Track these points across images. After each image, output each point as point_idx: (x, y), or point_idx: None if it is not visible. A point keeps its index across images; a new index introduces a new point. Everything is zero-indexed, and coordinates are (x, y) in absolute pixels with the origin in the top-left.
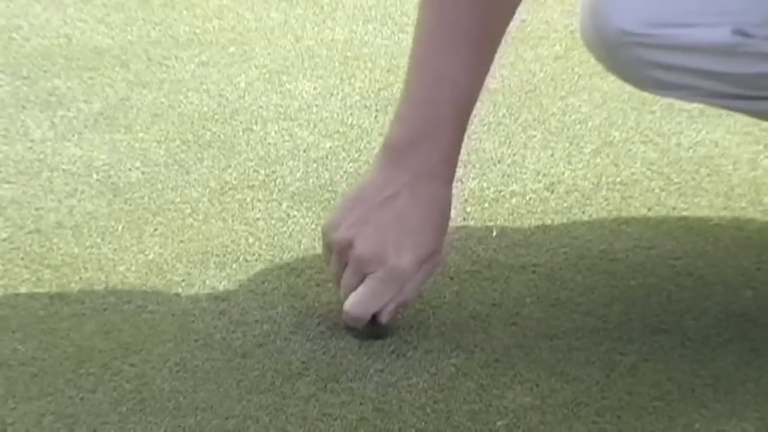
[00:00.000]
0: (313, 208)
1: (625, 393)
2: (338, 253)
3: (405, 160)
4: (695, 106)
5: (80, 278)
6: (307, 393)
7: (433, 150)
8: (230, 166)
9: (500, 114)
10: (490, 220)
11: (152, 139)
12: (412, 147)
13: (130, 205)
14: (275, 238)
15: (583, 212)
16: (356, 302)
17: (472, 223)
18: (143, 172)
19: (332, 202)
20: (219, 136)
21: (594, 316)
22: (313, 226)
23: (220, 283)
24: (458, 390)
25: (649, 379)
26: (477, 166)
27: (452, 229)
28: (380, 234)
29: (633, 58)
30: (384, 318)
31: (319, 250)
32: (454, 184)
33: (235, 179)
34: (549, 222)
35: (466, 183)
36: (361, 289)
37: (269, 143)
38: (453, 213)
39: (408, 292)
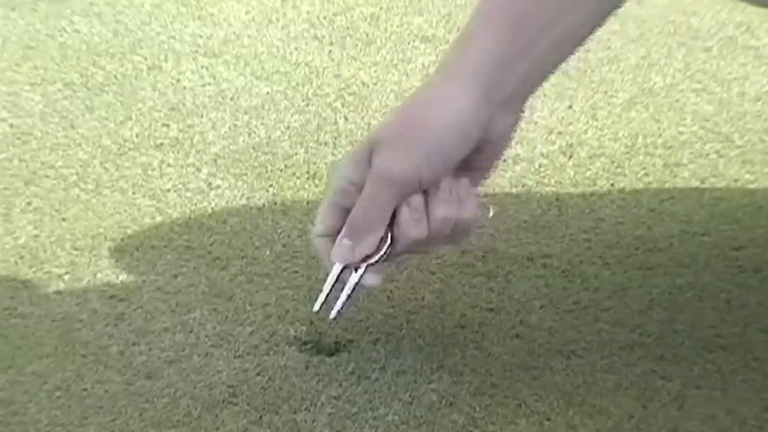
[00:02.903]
0: (244, 176)
1: (667, 431)
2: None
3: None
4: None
5: None
6: (236, 428)
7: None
8: (130, 118)
9: None
10: (485, 195)
11: (24, 81)
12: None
13: None
14: (192, 216)
15: (612, 184)
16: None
17: None
18: (12, 125)
19: (269, 168)
20: (115, 76)
21: (626, 327)
22: (243, 200)
23: (117, 277)
24: (441, 425)
25: (700, 412)
26: None
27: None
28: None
29: None
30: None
31: (254, 229)
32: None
33: (136, 136)
34: (565, 197)
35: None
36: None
37: (184, 87)
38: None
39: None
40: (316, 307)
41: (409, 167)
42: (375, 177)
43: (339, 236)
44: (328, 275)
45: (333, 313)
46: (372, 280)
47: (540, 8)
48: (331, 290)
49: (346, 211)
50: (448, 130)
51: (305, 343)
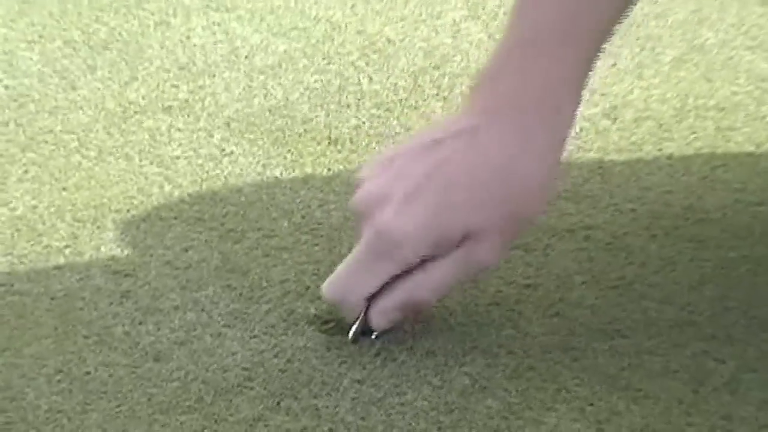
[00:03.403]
0: (259, 141)
1: (719, 417)
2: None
3: (489, 86)
4: None
5: None
6: (251, 414)
7: (536, 68)
8: (136, 79)
9: None
10: None
11: (20, 38)
12: (506, 66)
13: None
14: (203, 185)
15: (660, 150)
16: (330, 280)
17: None
18: (7, 87)
19: (287, 132)
20: (119, 33)
21: (675, 305)
22: (259, 167)
23: (122, 251)
24: (474, 411)
25: (755, 396)
26: None
27: (545, 202)
28: (397, 181)
29: None
30: (376, 321)
31: (270, 199)
32: (566, 128)
33: (143, 98)
34: (609, 164)
35: None
36: (345, 261)
37: (194, 45)
38: (553, 176)
39: (421, 287)
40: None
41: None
42: (465, 266)
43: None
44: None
45: (350, 336)
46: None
47: None
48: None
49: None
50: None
51: (326, 322)
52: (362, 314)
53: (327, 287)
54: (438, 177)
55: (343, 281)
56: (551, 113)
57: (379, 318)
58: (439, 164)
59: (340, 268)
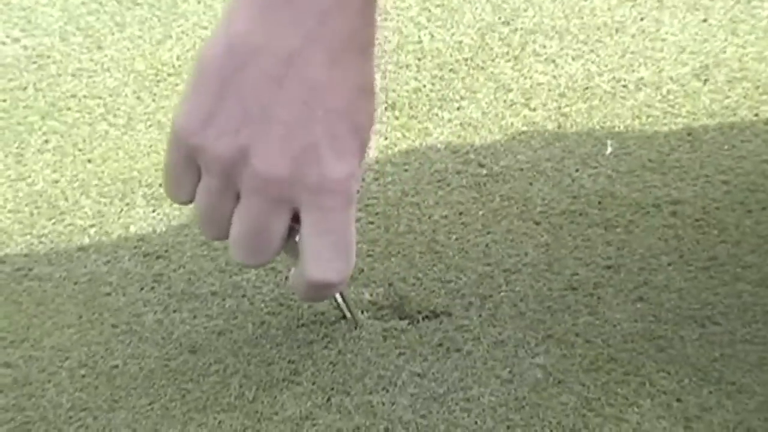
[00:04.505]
0: None
1: None
2: (222, 173)
3: (301, 5)
4: None
5: None
6: (298, 412)
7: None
8: (169, 37)
9: None
10: (601, 127)
11: None
12: None
13: (5, 100)
14: None
15: (756, 114)
16: (321, 263)
17: (571, 128)
18: (25, 47)
19: None
20: None
21: None
22: None
23: (154, 230)
24: (548, 407)
25: None
26: (577, 37)
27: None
28: (296, 134)
29: None
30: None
31: None
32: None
33: (177, 59)
34: (699, 131)
35: (559, 66)
36: (308, 238)
37: None
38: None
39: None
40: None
41: None
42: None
43: None
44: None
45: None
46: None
47: None
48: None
49: None
50: None
51: (383, 309)
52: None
53: (315, 271)
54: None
55: (334, 260)
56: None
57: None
58: (317, 90)
59: (315, 242)
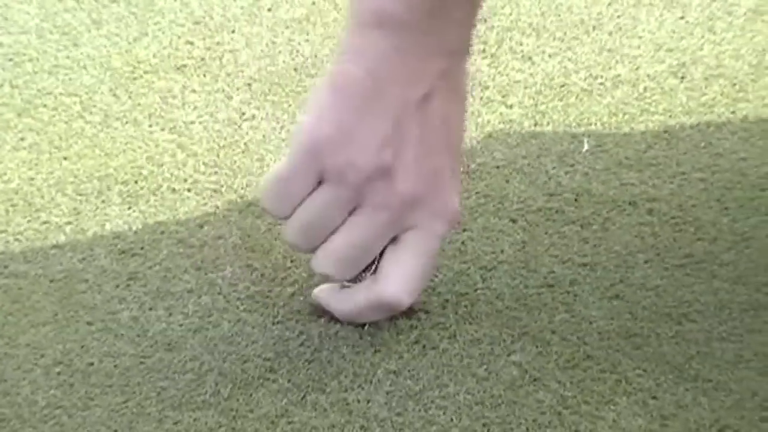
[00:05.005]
0: (284, 104)
1: None
2: (356, 187)
3: (420, 36)
4: None
5: None
6: (274, 409)
7: (453, 20)
8: (146, 35)
9: None
10: (577, 124)
11: None
12: (427, 16)
13: None
14: (220, 152)
15: (733, 112)
16: (403, 282)
17: (547, 126)
18: (1, 44)
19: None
20: None
21: (750, 285)
22: (283, 133)
23: (130, 227)
24: (524, 405)
25: None
26: (554, 35)
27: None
28: (430, 159)
29: None
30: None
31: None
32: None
33: (153, 56)
34: (676, 128)
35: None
36: (404, 257)
37: None
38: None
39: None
40: None
41: None
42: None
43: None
44: None
45: None
46: None
47: None
48: None
49: None
50: None
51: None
52: None
53: (398, 290)
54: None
55: (417, 281)
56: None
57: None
58: (443, 124)
59: (407, 260)
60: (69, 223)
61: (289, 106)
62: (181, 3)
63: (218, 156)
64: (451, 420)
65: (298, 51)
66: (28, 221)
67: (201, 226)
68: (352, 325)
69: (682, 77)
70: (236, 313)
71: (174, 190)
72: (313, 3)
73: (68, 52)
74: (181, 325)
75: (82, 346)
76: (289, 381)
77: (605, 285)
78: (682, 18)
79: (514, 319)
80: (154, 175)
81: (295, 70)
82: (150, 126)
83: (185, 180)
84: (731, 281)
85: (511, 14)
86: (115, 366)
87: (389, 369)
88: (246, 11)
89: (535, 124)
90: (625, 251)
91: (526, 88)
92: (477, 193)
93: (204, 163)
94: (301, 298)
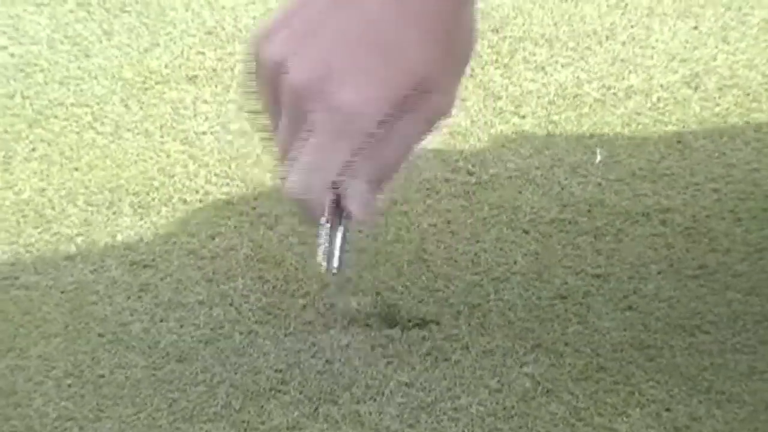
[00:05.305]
0: None
1: None
2: (268, 82)
3: None
4: None
5: None
6: (285, 421)
7: None
8: (157, 45)
9: None
10: (590, 135)
11: (28, 0)
12: None
13: None
14: (232, 163)
15: (747, 122)
16: (295, 174)
17: (560, 136)
18: (13, 55)
19: None
20: None
21: (763, 296)
22: None
23: (141, 238)
24: (537, 417)
25: None
26: (567, 45)
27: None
28: (329, 50)
29: None
30: (353, 205)
31: None
32: None
33: (165, 66)
34: (689, 138)
35: (548, 74)
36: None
37: (222, 7)
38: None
39: (387, 157)
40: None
41: None
42: (424, 120)
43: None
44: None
45: (319, 255)
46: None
47: None
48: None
49: None
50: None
51: (371, 317)
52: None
53: (288, 183)
54: (372, 34)
55: (305, 171)
56: None
57: (354, 202)
58: (367, 22)
59: (297, 163)
60: (80, 234)
61: None
62: (192, 13)
63: (230, 167)
64: None
65: None
66: (39, 232)
67: (212, 238)
68: (363, 335)
69: (696, 87)
70: (248, 325)
71: (185, 201)
72: None
73: (79, 62)
74: (192, 337)
75: (93, 358)
76: (300, 393)
77: (618, 296)
78: (695, 28)
79: (526, 331)
80: (166, 186)
81: None
82: (161, 137)
83: (197, 191)
84: (745, 292)
85: (523, 24)
86: (126, 377)
87: (401, 381)
88: (257, 21)
89: (548, 135)
90: (638, 262)
91: (539, 98)
92: (490, 204)
93: (216, 174)
94: (313, 310)
